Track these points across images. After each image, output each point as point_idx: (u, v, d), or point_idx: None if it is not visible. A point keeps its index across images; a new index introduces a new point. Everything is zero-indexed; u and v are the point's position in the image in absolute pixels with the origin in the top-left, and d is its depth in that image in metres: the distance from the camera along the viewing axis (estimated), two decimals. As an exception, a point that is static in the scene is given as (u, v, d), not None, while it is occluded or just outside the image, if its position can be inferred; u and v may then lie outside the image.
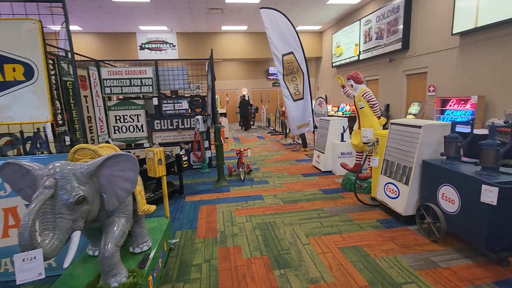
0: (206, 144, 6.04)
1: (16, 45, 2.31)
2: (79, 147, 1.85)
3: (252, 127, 14.36)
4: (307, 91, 6.88)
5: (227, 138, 10.64)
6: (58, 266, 2.51)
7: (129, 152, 2.81)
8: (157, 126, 5.95)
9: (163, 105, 5.98)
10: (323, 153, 5.56)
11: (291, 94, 6.83)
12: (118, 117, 5.81)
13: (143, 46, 13.12)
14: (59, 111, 3.85)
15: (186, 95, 6.28)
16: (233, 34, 13.15)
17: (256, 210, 3.80)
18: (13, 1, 2.38)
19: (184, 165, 4.33)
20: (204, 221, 3.53)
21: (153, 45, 13.20)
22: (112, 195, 1.74)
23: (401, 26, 7.52)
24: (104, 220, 1.82)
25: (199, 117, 5.76)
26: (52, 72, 3.72)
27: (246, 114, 13.40)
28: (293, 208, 3.80)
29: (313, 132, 7.25)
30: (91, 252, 2.19)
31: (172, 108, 6.07)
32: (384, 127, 4.43)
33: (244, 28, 12.43)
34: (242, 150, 5.40)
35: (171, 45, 13.28)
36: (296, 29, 6.80)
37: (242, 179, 5.13)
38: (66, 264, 1.49)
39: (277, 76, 16.87)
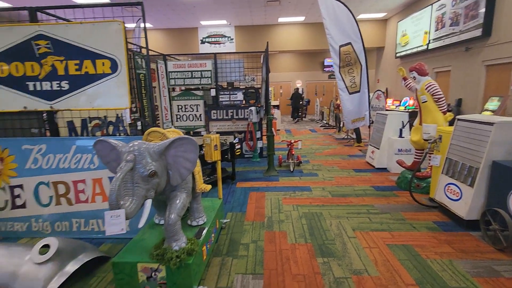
0: (258, 134, 6.26)
1: (105, 43, 2.76)
2: (152, 130, 2.17)
3: (303, 119, 14.38)
4: (364, 84, 6.57)
5: (279, 129, 10.76)
6: (130, 231, 2.97)
7: (190, 137, 3.13)
8: (214, 116, 6.35)
9: (220, 96, 6.35)
10: (378, 148, 5.31)
11: (346, 87, 6.60)
12: (180, 107, 6.37)
13: (204, 40, 13.90)
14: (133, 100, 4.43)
15: (241, 87, 6.57)
16: (289, 26, 13.06)
17: (303, 200, 3.88)
18: (103, 6, 2.82)
19: (237, 153, 4.60)
20: (253, 206, 3.75)
21: (213, 39, 13.89)
22: (176, 172, 2.02)
23: (482, 10, 6.60)
24: (168, 193, 2.12)
25: (253, 108, 5.98)
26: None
27: (297, 106, 13.61)
28: (341, 202, 3.77)
29: (369, 127, 6.91)
30: (157, 220, 2.56)
31: (228, 99, 6.41)
32: (451, 123, 4.04)
33: (301, 19, 12.24)
34: (292, 141, 5.48)
35: (229, 39, 13.80)
36: (358, 17, 6.51)
37: (291, 170, 5.22)
38: (141, 225, 1.81)
39: (333, 68, 16.28)
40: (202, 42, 13.88)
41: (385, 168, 5.23)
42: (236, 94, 6.37)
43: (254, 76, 9.01)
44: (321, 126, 11.59)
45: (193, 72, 6.14)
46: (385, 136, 5.22)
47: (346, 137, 8.49)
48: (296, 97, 13.62)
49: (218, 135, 2.96)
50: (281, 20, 12.34)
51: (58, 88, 2.86)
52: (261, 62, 6.22)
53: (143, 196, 1.82)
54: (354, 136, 7.82)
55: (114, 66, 2.78)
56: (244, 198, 4.04)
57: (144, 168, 1.81)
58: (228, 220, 3.30)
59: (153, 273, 1.98)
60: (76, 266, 2.32)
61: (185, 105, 6.36)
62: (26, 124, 3.01)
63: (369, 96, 6.70)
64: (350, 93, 6.61)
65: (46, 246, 2.26)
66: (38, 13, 2.90)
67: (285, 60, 16.79)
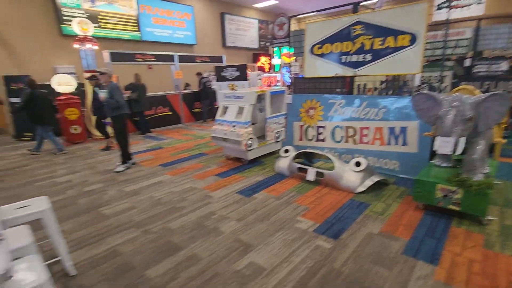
0: (523, 111, 5.31)
1: (408, 22, 3.52)
2: (462, 87, 2.74)
3: None
4: None
5: None
6: (399, 171, 3.82)
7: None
8: (463, 88, 6.00)
9: (476, 66, 5.86)
10: None
11: None
12: (422, 78, 6.49)
13: (440, 5, 12.36)
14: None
15: (508, 56, 5.70)
16: None
17: None
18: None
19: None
20: (525, 179, 3.57)
21: (453, 3, 12.05)
22: (484, 121, 2.50)
23: None
24: (470, 138, 2.64)
25: (524, 79, 5.12)
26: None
27: None
28: None
29: None
30: (438, 163, 3.17)
31: (486, 70, 5.80)
32: None
33: None
34: None
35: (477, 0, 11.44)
36: None
37: None
38: (458, 152, 2.49)
39: None
40: (438, 8, 12.39)
41: None
42: (499, 63, 5.64)
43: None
44: None
45: (447, 42, 6.01)
46: None
47: None
48: None
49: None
50: None
51: (363, 59, 4.01)
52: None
53: (459, 134, 2.46)
54: None
55: (413, 40, 3.52)
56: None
57: (464, 113, 2.43)
58: (501, 182, 3.41)
59: (449, 193, 2.65)
60: (371, 183, 3.44)
61: (429, 76, 6.41)
62: (333, 85, 4.47)
63: None
64: None
65: (358, 163, 3.50)
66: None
67: None
